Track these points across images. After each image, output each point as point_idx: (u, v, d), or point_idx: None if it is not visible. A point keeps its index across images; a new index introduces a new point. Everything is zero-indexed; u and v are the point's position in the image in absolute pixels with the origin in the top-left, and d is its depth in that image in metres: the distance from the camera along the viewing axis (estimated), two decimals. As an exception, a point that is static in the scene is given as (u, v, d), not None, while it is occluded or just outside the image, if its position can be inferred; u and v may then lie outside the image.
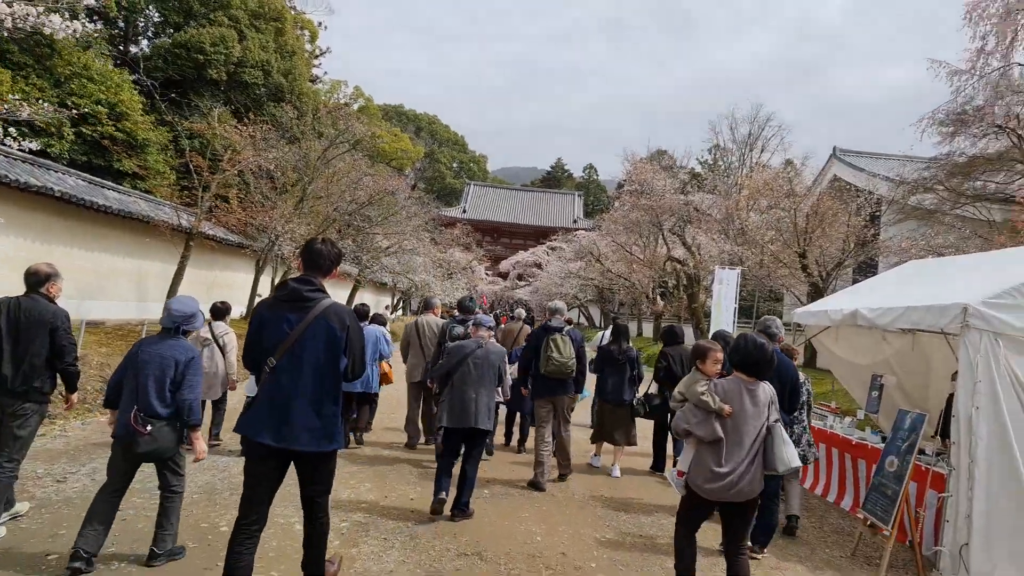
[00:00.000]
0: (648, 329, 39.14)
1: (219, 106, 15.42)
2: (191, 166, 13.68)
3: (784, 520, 5.99)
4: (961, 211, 17.11)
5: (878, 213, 20.91)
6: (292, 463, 3.62)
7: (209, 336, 7.41)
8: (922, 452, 5.68)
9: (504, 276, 53.28)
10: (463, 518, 5.57)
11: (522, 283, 50.78)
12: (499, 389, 6.01)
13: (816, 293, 19.52)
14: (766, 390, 3.99)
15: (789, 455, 3.90)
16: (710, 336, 7.34)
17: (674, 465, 5.26)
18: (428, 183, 69.51)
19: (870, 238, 19.25)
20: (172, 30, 21.36)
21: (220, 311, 7.68)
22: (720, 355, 4.40)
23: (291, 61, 23.53)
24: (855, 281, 22.99)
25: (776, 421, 3.97)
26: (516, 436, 8.86)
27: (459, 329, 7.24)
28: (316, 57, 34.67)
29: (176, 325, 4.39)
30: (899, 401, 7.23)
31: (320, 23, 33.63)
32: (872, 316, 5.96)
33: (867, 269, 22.38)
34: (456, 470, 5.78)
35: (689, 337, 22.65)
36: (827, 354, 8.35)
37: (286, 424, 3.44)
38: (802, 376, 6.11)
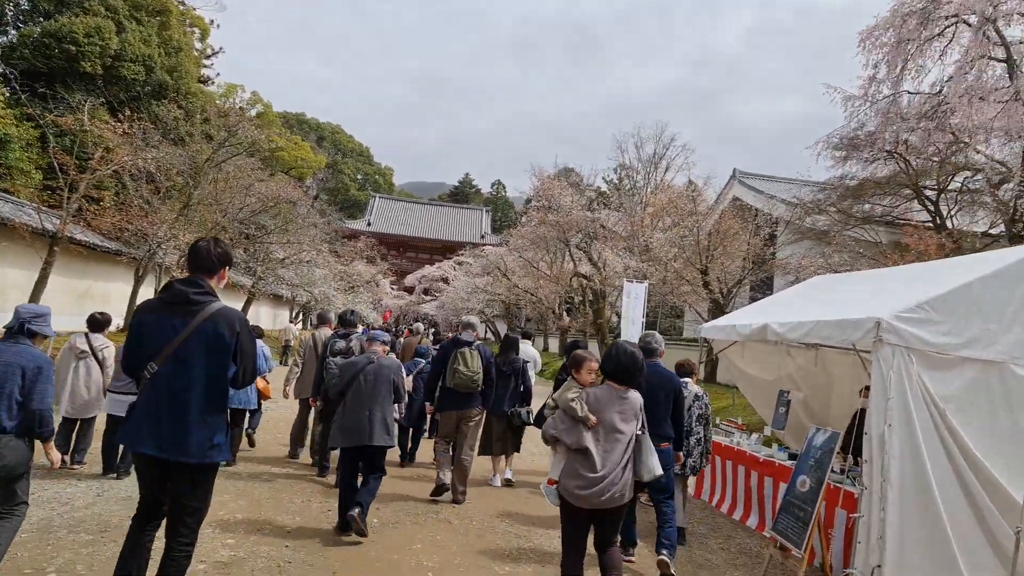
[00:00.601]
0: (555, 344, 39.28)
1: (91, 100, 13.96)
2: (56, 164, 12.26)
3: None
4: (852, 232, 18.00)
5: (775, 233, 21.76)
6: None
7: (87, 348, 6.84)
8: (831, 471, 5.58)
9: (410, 291, 52.55)
10: (358, 527, 5.27)
11: (428, 298, 50.15)
12: (396, 406, 5.86)
13: (717, 309, 20.01)
14: (635, 399, 4.06)
15: (653, 464, 4.04)
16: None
17: None
18: (331, 194, 67.52)
19: (768, 257, 19.97)
20: (42, 18, 19.44)
21: (99, 323, 7.03)
22: (595, 365, 4.36)
23: (177, 58, 21.87)
24: (753, 298, 23.78)
25: (643, 430, 4.05)
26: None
27: (340, 344, 7.18)
28: (208, 57, 32.74)
29: (21, 323, 4.04)
30: (803, 417, 7.22)
31: (212, 20, 31.83)
32: (782, 331, 5.85)
33: (764, 287, 23.21)
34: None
35: (594, 352, 22.73)
36: (733, 369, 8.29)
37: (166, 433, 3.26)
38: (699, 390, 6.44)
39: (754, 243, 19.04)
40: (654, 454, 4.08)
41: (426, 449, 8.90)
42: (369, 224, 58.74)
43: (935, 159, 16.38)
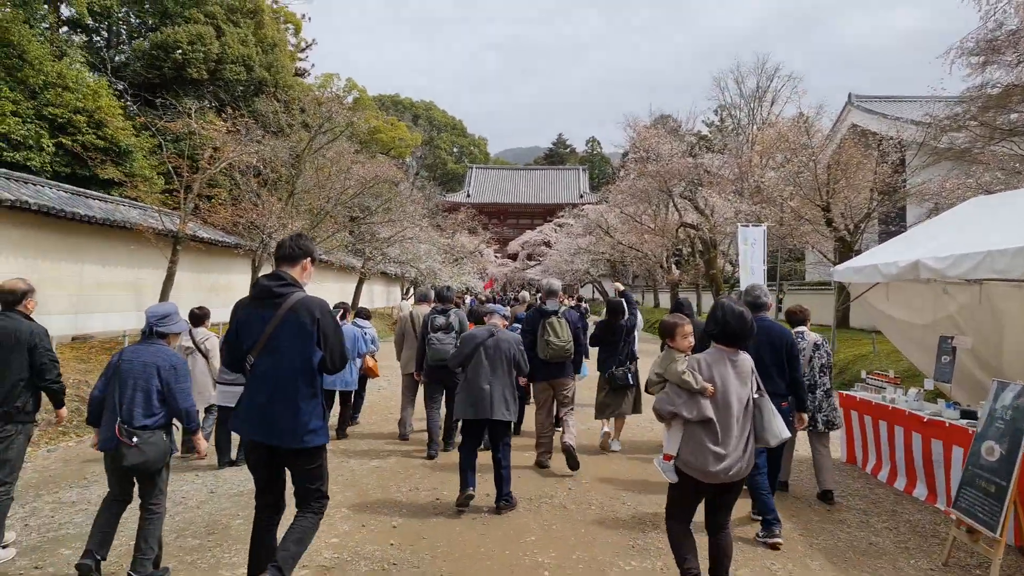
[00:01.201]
0: (665, 300, 38.22)
1: (196, 103, 14.54)
2: (171, 168, 12.87)
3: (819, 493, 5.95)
4: (999, 148, 16.04)
5: (903, 159, 19.81)
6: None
7: (191, 344, 7.07)
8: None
9: (514, 257, 52.71)
10: (509, 509, 5.45)
11: (532, 263, 50.11)
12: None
13: (845, 248, 18.51)
14: (746, 360, 3.77)
15: (779, 427, 3.73)
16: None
17: None
18: (430, 170, 68.57)
19: (899, 185, 18.18)
20: (149, 32, 20.50)
21: (198, 317, 7.30)
22: (689, 328, 4.09)
23: (273, 54, 22.52)
24: (884, 233, 21.91)
25: (760, 392, 3.77)
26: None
27: (440, 319, 7.16)
28: (302, 50, 33.65)
29: (150, 327, 4.24)
30: (971, 366, 6.30)
31: (303, 15, 32.76)
32: (940, 266, 5.06)
33: (896, 220, 21.31)
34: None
35: (708, 305, 21.79)
36: (875, 314, 7.39)
37: (268, 421, 3.45)
38: (818, 338, 5.95)
39: (881, 171, 17.34)
40: (777, 416, 3.76)
41: (529, 417, 8.48)
42: (468, 196, 59.28)
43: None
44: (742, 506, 5.20)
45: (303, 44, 33.67)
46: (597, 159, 76.14)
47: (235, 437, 6.74)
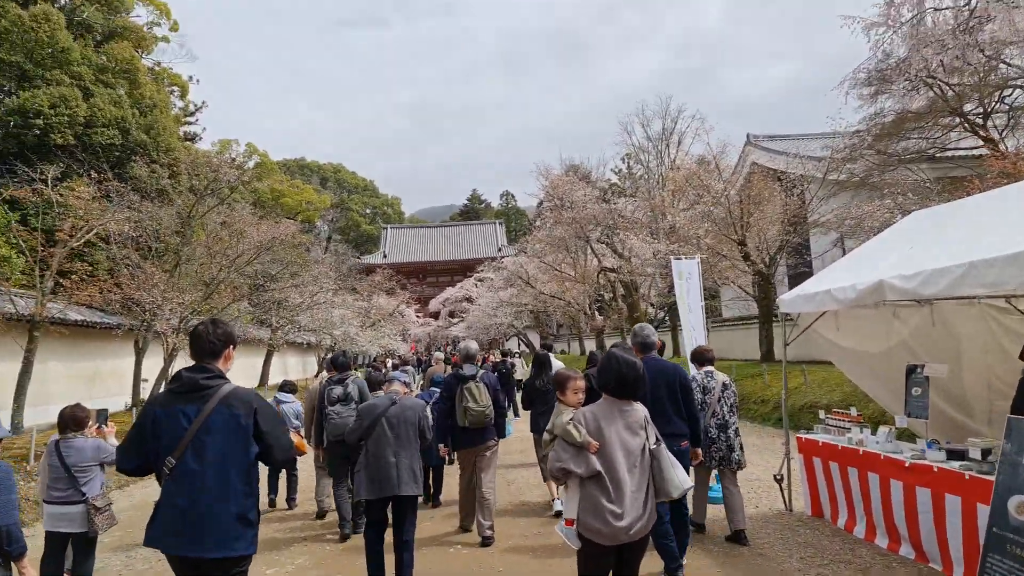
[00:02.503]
0: (592, 346, 37.80)
1: (55, 168, 12.90)
2: (22, 242, 11.23)
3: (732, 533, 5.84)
4: (893, 175, 16.41)
5: (803, 192, 20.20)
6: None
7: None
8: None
9: (436, 316, 51.62)
10: None
11: (455, 320, 49.06)
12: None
13: (764, 281, 18.45)
14: (639, 409, 3.62)
15: (679, 477, 3.58)
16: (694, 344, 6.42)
17: None
18: (342, 233, 66.93)
19: (804, 216, 18.35)
20: (4, 96, 18.63)
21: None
22: (580, 383, 4.06)
23: (153, 115, 20.87)
24: (791, 267, 22.19)
25: (658, 442, 3.59)
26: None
27: (338, 390, 6.90)
28: (191, 114, 32.03)
29: None
30: (932, 397, 5.63)
31: (191, 77, 31.17)
32: (910, 285, 4.36)
33: (800, 252, 21.64)
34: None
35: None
36: (827, 346, 6.66)
37: (191, 529, 3.09)
38: (726, 378, 6.03)
39: (791, 203, 17.46)
40: (677, 466, 3.60)
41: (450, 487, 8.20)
42: (385, 256, 58.04)
43: (972, 80, 14.89)
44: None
45: (191, 107, 32.10)
46: (513, 212, 76.53)
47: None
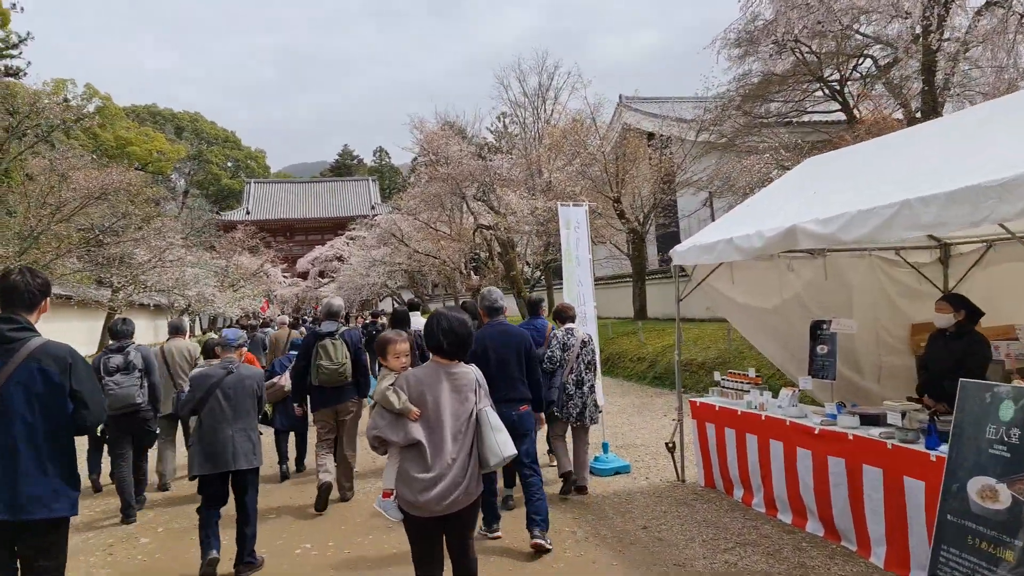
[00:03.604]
0: (467, 307, 37.46)
1: None
2: None
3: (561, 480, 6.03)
4: (756, 138, 16.95)
5: (672, 153, 20.60)
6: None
7: None
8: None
9: (304, 276, 49.21)
10: (252, 571, 4.85)
11: (325, 280, 47.06)
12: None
13: (637, 239, 18.66)
14: (469, 373, 3.46)
15: (502, 443, 3.35)
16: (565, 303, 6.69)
17: None
18: (201, 186, 62.07)
19: (674, 175, 18.65)
20: None
21: None
22: (403, 347, 3.71)
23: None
24: (659, 225, 22.71)
25: (485, 406, 3.43)
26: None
27: (117, 359, 6.32)
28: (14, 46, 27.78)
29: None
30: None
31: (14, 4, 26.97)
32: (827, 230, 4.00)
33: (668, 212, 22.19)
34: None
35: (513, 310, 21.04)
36: (721, 301, 6.39)
37: (5, 491, 2.90)
38: (585, 335, 6.20)
39: (664, 161, 17.63)
40: (500, 430, 3.38)
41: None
42: (248, 212, 54.53)
43: (831, 46, 15.56)
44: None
45: (14, 38, 27.85)
46: (387, 169, 74.08)
47: None
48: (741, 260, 5.34)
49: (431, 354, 3.48)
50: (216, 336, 6.52)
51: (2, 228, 13.67)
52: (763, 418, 5.16)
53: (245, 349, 5.35)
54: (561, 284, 7.48)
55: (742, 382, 5.75)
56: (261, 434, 5.17)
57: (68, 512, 3.06)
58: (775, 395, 5.33)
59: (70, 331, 19.32)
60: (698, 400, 6.15)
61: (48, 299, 3.31)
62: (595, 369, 6.14)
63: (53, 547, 3.08)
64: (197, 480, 4.84)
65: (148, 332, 31.72)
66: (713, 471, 5.97)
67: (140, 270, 20.00)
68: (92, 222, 16.47)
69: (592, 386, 6.11)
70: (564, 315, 6.28)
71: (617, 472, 6.73)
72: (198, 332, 34.55)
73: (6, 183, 13.33)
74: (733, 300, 6.27)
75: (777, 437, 5.01)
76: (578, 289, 7.00)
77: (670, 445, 6.32)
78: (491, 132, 40.52)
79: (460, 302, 7.74)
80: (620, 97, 27.44)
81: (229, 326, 28.05)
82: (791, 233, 4.36)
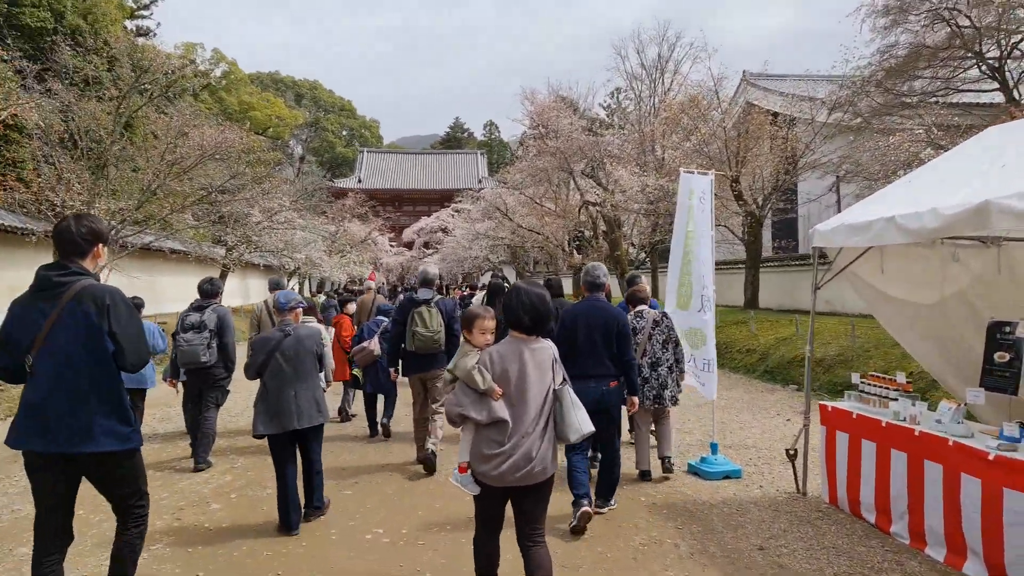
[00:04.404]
0: (568, 286, 36.90)
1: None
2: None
3: (659, 461, 6.07)
4: (892, 120, 15.25)
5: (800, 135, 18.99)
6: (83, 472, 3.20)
7: None
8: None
9: (409, 246, 50.10)
10: (318, 515, 5.15)
11: (429, 251, 47.70)
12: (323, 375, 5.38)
13: (754, 223, 17.35)
14: (548, 349, 3.46)
15: (578, 420, 3.39)
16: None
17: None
18: (316, 154, 64.37)
19: (798, 158, 17.10)
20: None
21: None
22: (489, 323, 3.71)
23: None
24: (775, 211, 21.06)
25: (563, 383, 3.43)
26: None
27: (193, 317, 6.52)
28: (145, 7, 29.38)
29: None
30: (973, 362, 4.50)
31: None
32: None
33: (786, 198, 20.58)
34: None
35: (616, 291, 20.22)
36: (868, 292, 5.40)
37: (52, 426, 3.06)
38: (658, 314, 6.09)
39: (792, 140, 16.17)
40: (579, 408, 3.43)
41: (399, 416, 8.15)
42: (360, 181, 55.94)
43: (993, 18, 13.65)
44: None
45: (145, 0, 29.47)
46: (496, 144, 74.11)
47: None
48: (897, 245, 4.40)
49: (511, 329, 3.45)
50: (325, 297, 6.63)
51: (127, 183, 14.27)
52: (916, 434, 4.25)
53: (300, 311, 5.32)
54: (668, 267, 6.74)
55: (888, 388, 4.77)
56: (326, 390, 5.28)
57: (118, 446, 3.14)
58: (931, 407, 4.38)
59: (188, 286, 20.32)
60: (830, 404, 5.22)
61: (101, 245, 3.34)
62: (674, 347, 6.04)
63: (118, 477, 3.24)
64: (267, 439, 4.94)
65: (262, 289, 33.24)
66: (838, 487, 5.08)
67: (253, 231, 20.65)
68: (209, 180, 17.04)
69: (671, 366, 6.01)
70: (635, 298, 6.32)
71: (727, 476, 5.94)
72: (307, 294, 35.83)
73: (127, 137, 13.83)
74: (882, 292, 5.23)
75: (935, 458, 4.11)
76: (698, 268, 6.18)
77: (791, 452, 5.44)
78: (603, 108, 39.41)
79: (545, 279, 7.30)
80: (744, 73, 25.78)
81: (335, 290, 28.82)
82: (983, 211, 3.41)
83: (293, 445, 4.99)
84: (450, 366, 3.59)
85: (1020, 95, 14.34)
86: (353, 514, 5.25)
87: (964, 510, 3.88)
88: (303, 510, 5.01)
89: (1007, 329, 4.23)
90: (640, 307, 6.20)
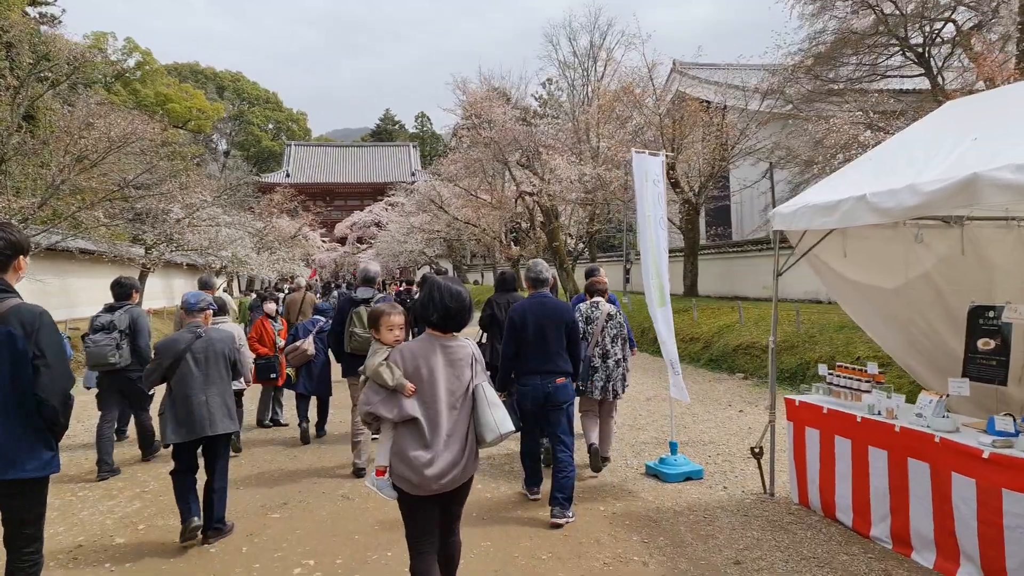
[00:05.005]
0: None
1: None
2: None
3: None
4: (822, 106, 15.58)
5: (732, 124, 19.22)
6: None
7: None
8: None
9: (342, 241, 48.91)
10: (219, 537, 4.75)
11: (363, 246, 46.70)
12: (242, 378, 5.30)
13: (691, 211, 17.43)
14: (466, 346, 3.31)
15: (499, 419, 3.22)
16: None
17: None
18: (241, 148, 61.97)
19: (738, 140, 17.26)
20: None
21: None
22: (397, 319, 3.55)
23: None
24: (710, 198, 21.28)
25: (481, 381, 3.28)
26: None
27: (104, 317, 6.30)
28: (49, -4, 27.36)
29: None
30: (954, 347, 4.34)
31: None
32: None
33: (721, 183, 20.81)
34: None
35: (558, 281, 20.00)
36: (831, 278, 5.23)
37: None
38: (611, 308, 6.05)
39: (726, 128, 16.28)
40: (497, 407, 3.26)
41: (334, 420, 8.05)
42: (288, 175, 54.23)
43: (915, 4, 14.11)
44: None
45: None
46: (428, 136, 73.06)
47: None
48: (860, 228, 4.21)
49: (426, 327, 3.31)
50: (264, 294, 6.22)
51: (31, 179, 13.09)
52: (897, 430, 4.00)
53: (211, 312, 5.05)
54: (610, 257, 6.48)
55: (859, 379, 4.54)
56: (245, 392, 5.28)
57: (39, 473, 3.03)
58: (909, 400, 4.19)
59: (105, 288, 19.00)
60: (798, 399, 4.97)
61: (23, 257, 3.18)
62: (623, 343, 6.05)
63: (25, 505, 3.06)
64: (172, 448, 4.69)
65: (189, 290, 31.63)
66: (809, 487, 4.83)
67: (174, 228, 19.48)
68: (122, 175, 15.86)
69: (619, 360, 6.01)
70: (593, 288, 6.25)
71: (688, 478, 5.66)
72: (237, 294, 34.39)
73: (28, 129, 12.68)
74: (845, 277, 5.04)
75: (920, 456, 3.87)
76: (658, 258, 5.89)
77: (757, 451, 5.23)
78: (536, 99, 39.21)
79: (499, 272, 6.91)
80: (674, 62, 25.86)
81: (266, 288, 27.67)
82: (970, 186, 3.18)
83: (196, 456, 4.77)
84: (361, 367, 3.44)
85: (944, 81, 14.81)
86: (280, 543, 4.69)
87: (957, 512, 3.66)
88: (203, 532, 4.66)
89: (991, 314, 4.07)
90: (597, 298, 6.16)
